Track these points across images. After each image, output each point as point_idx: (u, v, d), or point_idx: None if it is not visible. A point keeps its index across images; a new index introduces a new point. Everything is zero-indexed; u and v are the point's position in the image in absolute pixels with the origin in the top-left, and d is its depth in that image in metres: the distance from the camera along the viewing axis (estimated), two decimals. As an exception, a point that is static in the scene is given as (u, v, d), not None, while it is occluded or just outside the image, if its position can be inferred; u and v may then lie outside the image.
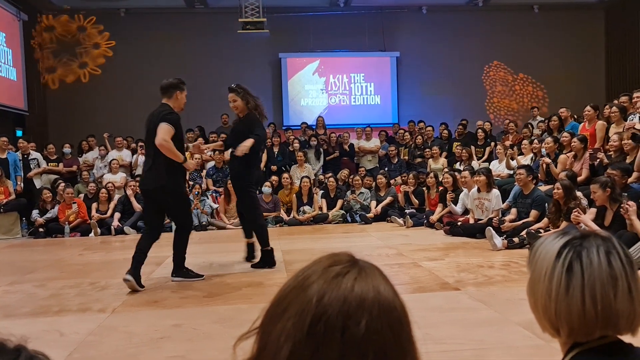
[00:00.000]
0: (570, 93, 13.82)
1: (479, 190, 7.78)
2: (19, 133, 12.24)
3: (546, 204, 6.97)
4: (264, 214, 9.69)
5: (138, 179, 8.43)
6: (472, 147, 10.65)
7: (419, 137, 11.55)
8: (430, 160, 10.79)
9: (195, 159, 10.47)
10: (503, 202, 7.70)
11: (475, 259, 5.81)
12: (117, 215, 9.50)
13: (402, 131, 12.08)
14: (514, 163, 9.02)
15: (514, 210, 7.40)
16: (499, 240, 6.41)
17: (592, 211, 5.89)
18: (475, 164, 9.94)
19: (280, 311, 0.78)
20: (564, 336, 1.07)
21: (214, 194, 10.16)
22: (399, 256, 6.16)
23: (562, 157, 8.02)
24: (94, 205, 9.79)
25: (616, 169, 6.36)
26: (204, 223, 9.46)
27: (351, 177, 10.57)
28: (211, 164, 10.81)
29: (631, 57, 13.55)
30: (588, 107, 8.44)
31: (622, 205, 5.39)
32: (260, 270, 5.56)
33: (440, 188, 8.95)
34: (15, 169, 9.91)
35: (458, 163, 10.33)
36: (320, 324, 0.74)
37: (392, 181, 10.49)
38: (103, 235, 9.24)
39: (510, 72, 14.58)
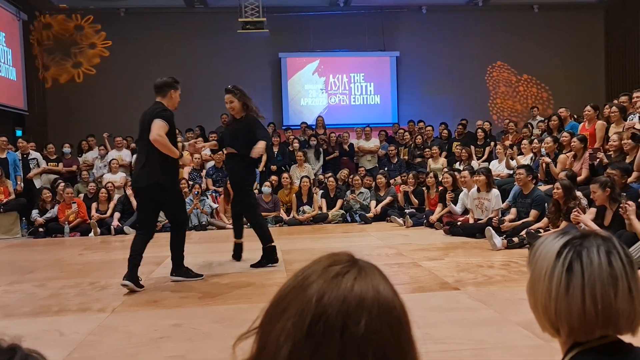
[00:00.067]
0: (570, 93, 13.83)
1: (478, 190, 7.78)
2: (19, 133, 12.24)
3: (546, 204, 6.97)
4: (264, 214, 9.77)
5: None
6: (472, 147, 10.65)
7: (419, 136, 11.55)
8: (430, 160, 10.79)
9: (196, 158, 10.50)
10: (503, 202, 7.70)
11: (475, 259, 5.81)
12: (116, 215, 9.50)
13: (401, 131, 12.08)
14: (513, 163, 9.02)
15: (513, 210, 7.40)
16: (498, 240, 6.41)
17: (592, 211, 5.89)
18: (475, 163, 9.93)
19: (279, 311, 0.78)
20: (564, 336, 1.07)
21: (213, 194, 10.15)
22: (399, 256, 6.16)
23: (561, 156, 8.02)
24: (94, 205, 9.79)
25: (616, 169, 6.35)
26: (203, 223, 9.46)
27: (351, 176, 10.57)
28: (211, 163, 10.80)
29: (631, 57, 13.56)
30: (588, 107, 8.45)
31: (621, 205, 5.39)
32: (260, 269, 5.56)
33: (440, 188, 8.95)
34: (15, 168, 9.91)
35: (458, 163, 10.33)
36: (319, 323, 0.74)
37: (391, 181, 10.49)
38: (103, 235, 9.24)
39: (514, 72, 14.58)
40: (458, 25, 14.10)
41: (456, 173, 8.90)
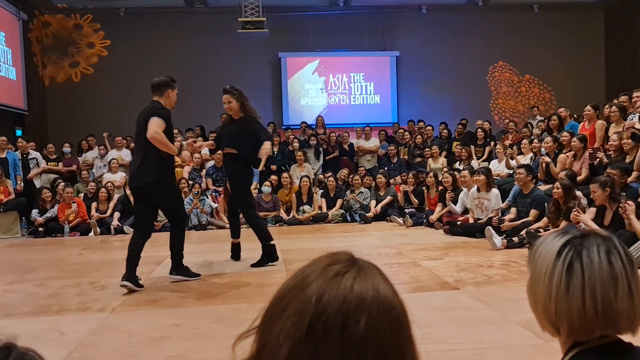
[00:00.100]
0: (570, 92, 13.83)
1: (478, 190, 7.78)
2: (19, 132, 12.24)
3: (546, 204, 6.97)
4: (264, 213, 9.78)
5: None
6: (472, 147, 10.65)
7: (419, 136, 11.55)
8: (430, 159, 10.78)
9: (196, 158, 10.50)
10: (502, 202, 7.70)
11: (475, 259, 5.81)
12: (116, 214, 9.50)
13: (401, 130, 12.08)
14: (513, 162, 9.02)
15: (513, 210, 7.41)
16: (498, 240, 6.41)
17: (592, 210, 5.89)
18: (474, 163, 9.93)
19: (279, 310, 0.78)
20: (564, 335, 1.07)
21: (213, 194, 10.15)
22: (399, 255, 6.16)
23: (561, 156, 8.02)
24: (94, 204, 9.79)
25: (616, 169, 6.35)
26: (203, 222, 9.46)
27: (351, 176, 10.57)
28: (211, 163, 10.80)
29: (631, 57, 13.56)
30: (588, 107, 8.45)
31: (620, 204, 5.39)
32: (260, 269, 5.56)
33: (440, 187, 8.95)
34: (15, 168, 9.91)
35: (458, 162, 10.32)
36: (319, 323, 0.74)
37: (391, 180, 10.49)
38: (103, 235, 9.24)
39: (515, 73, 14.57)
40: (458, 25, 14.10)
41: (456, 173, 8.90)
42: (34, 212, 9.59)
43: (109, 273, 5.50)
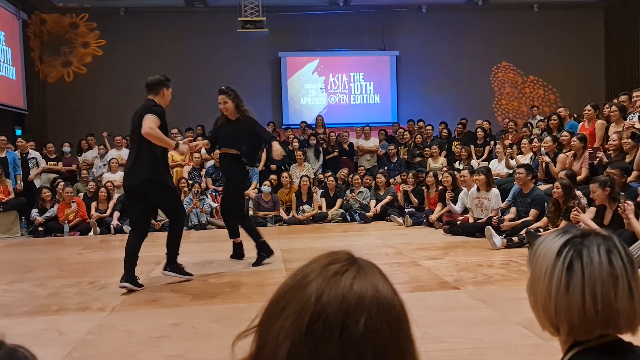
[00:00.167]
0: (570, 92, 13.83)
1: (478, 190, 7.78)
2: (19, 132, 12.24)
3: (545, 203, 6.97)
4: (264, 213, 9.79)
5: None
6: (472, 146, 10.64)
7: (419, 136, 11.55)
8: (430, 159, 10.78)
9: (195, 158, 10.50)
10: (502, 201, 7.70)
11: (475, 258, 5.81)
12: (116, 214, 9.50)
13: (401, 130, 12.08)
14: (513, 162, 9.01)
15: (513, 209, 7.41)
16: (498, 240, 6.41)
17: (592, 210, 5.88)
18: (474, 163, 9.93)
19: (278, 310, 0.78)
20: (563, 335, 1.06)
21: (213, 193, 10.15)
22: (399, 255, 6.16)
23: (561, 156, 8.02)
24: (94, 204, 9.79)
25: (615, 168, 6.35)
26: (203, 222, 9.46)
27: (350, 176, 10.57)
28: (210, 163, 10.80)
29: (631, 56, 13.56)
30: (588, 107, 8.45)
31: (619, 204, 5.39)
32: (260, 268, 5.56)
33: (440, 187, 8.95)
34: (15, 168, 9.91)
35: (457, 162, 10.32)
36: (319, 322, 0.74)
37: (391, 180, 10.49)
38: (102, 234, 9.24)
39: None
40: (458, 24, 14.10)
41: (456, 172, 8.90)
42: (34, 212, 9.59)
43: (109, 272, 5.50)
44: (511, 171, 8.68)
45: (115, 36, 13.60)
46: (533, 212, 7.03)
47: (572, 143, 7.83)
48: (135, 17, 13.64)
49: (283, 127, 13.32)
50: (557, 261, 1.05)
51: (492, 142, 10.80)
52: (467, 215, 7.98)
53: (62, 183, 9.82)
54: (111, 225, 9.28)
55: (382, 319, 0.75)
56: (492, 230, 6.51)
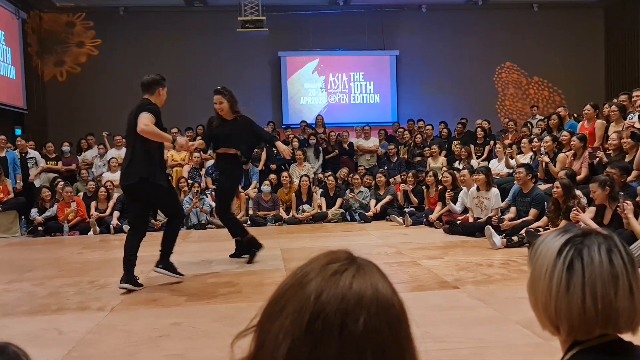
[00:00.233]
0: (570, 92, 13.82)
1: (478, 189, 7.78)
2: (18, 131, 12.23)
3: (545, 203, 6.97)
4: (263, 212, 9.78)
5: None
6: (472, 146, 10.64)
7: (419, 135, 11.54)
8: (430, 159, 10.78)
9: (195, 157, 10.50)
10: (502, 201, 7.70)
11: (475, 258, 5.81)
12: (116, 213, 9.50)
13: (401, 130, 12.08)
14: (513, 162, 9.01)
15: (513, 209, 7.40)
16: (498, 239, 6.41)
17: (592, 210, 5.88)
18: (474, 162, 9.93)
19: (278, 309, 0.78)
20: (563, 334, 1.06)
21: (213, 193, 10.13)
22: (398, 255, 6.16)
23: (561, 155, 8.02)
24: (93, 203, 9.78)
25: (615, 168, 6.35)
26: (203, 222, 9.46)
27: (350, 175, 10.57)
28: (210, 162, 10.78)
29: (631, 56, 13.56)
30: (588, 106, 8.45)
31: (619, 204, 5.39)
32: (259, 268, 5.57)
33: (440, 187, 8.95)
34: (14, 167, 9.91)
35: (457, 162, 10.32)
36: (318, 321, 0.73)
37: (391, 180, 10.49)
38: (102, 234, 9.24)
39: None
40: (458, 24, 14.10)
41: (456, 172, 8.90)
42: (33, 211, 9.58)
43: (108, 272, 5.49)
44: (511, 171, 8.68)
45: (115, 36, 13.59)
46: (533, 211, 7.03)
47: (571, 143, 7.83)
48: (135, 17, 13.63)
49: (283, 126, 13.32)
50: (558, 260, 1.05)
51: (492, 142, 10.80)
52: (467, 215, 7.98)
53: (62, 183, 9.82)
54: (111, 225, 9.28)
55: (381, 318, 0.75)
56: (492, 230, 6.51)
